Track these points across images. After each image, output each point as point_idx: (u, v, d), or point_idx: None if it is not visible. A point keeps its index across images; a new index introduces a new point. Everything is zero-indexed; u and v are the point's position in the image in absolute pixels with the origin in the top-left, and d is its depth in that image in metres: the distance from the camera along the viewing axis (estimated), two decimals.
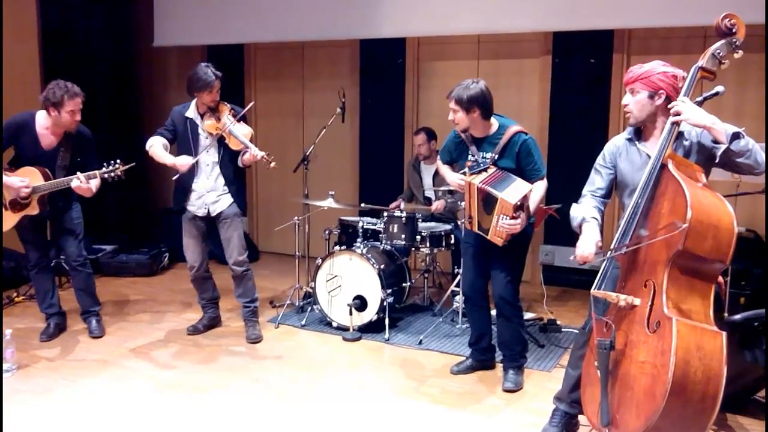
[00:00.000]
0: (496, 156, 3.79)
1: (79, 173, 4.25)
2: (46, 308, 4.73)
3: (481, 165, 3.81)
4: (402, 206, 5.44)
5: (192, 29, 7.11)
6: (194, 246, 4.68)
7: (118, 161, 4.35)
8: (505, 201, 3.56)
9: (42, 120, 4.37)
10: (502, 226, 3.59)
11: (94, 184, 4.37)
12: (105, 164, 4.34)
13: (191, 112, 4.52)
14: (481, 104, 3.72)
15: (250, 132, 4.47)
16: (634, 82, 2.88)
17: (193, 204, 4.58)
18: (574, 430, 3.37)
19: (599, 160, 3.11)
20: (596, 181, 3.10)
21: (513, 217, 3.55)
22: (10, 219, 4.40)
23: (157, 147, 4.47)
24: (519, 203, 3.55)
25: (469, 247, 4.05)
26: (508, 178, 3.71)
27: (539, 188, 3.76)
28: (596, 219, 2.99)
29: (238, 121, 4.43)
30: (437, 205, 5.39)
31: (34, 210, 4.35)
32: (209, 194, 4.56)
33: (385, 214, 5.07)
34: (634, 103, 2.90)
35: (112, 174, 4.33)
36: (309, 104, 7.13)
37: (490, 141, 3.83)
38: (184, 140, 4.52)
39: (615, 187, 3.09)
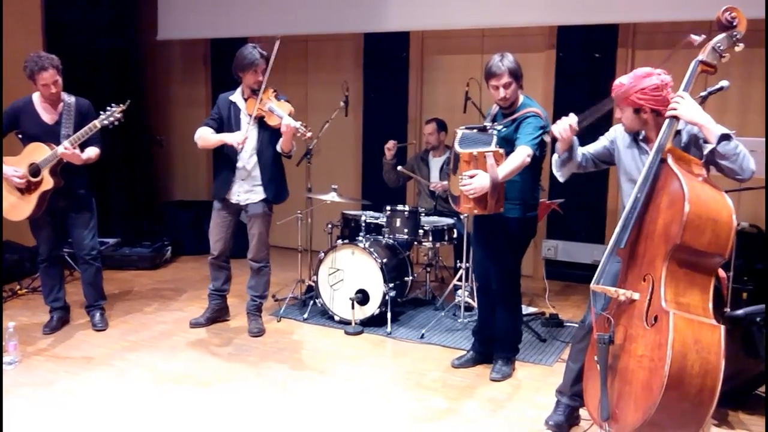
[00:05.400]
0: (502, 128, 3.74)
1: (65, 141, 4.24)
2: (52, 301, 4.74)
3: (487, 127, 3.76)
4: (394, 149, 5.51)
5: (196, 22, 7.11)
6: (218, 235, 4.68)
7: (113, 105, 4.32)
8: (462, 153, 3.46)
9: (38, 96, 4.39)
10: (460, 187, 3.44)
11: (93, 152, 4.41)
12: (102, 112, 4.31)
13: (236, 96, 4.52)
14: (522, 75, 3.78)
15: (291, 109, 4.42)
16: (618, 101, 2.95)
17: (235, 193, 4.57)
18: (575, 423, 3.38)
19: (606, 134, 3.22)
20: (592, 144, 3.22)
21: (470, 176, 3.40)
22: (29, 201, 4.35)
23: (203, 134, 4.48)
24: (474, 155, 3.42)
25: (474, 236, 4.08)
26: (484, 143, 3.60)
27: (517, 155, 3.54)
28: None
29: (279, 101, 4.42)
30: (436, 184, 5.43)
31: (48, 184, 4.31)
32: (245, 182, 4.54)
33: (388, 208, 5.06)
34: (623, 118, 2.97)
35: (111, 119, 4.29)
36: (312, 98, 7.13)
37: (508, 115, 3.81)
38: (228, 125, 4.51)
39: (618, 170, 3.14)
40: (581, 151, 3.20)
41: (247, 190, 4.55)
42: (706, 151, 2.73)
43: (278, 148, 4.45)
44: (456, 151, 3.56)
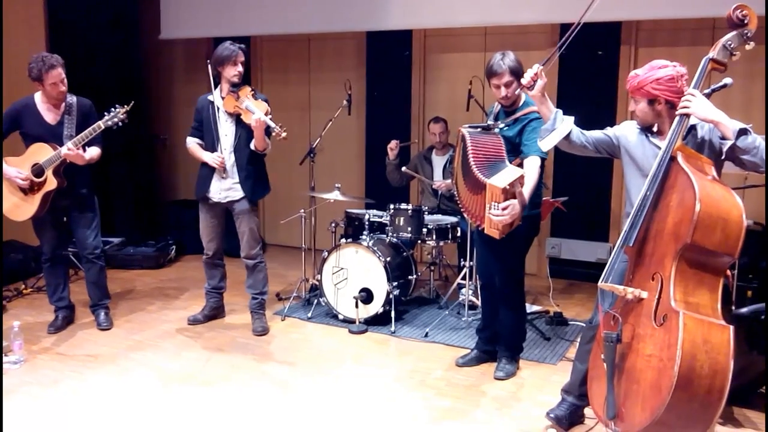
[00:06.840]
0: (505, 126, 3.74)
1: (68, 142, 4.26)
2: (56, 301, 4.75)
3: (490, 126, 3.74)
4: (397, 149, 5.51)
5: (198, 22, 7.11)
6: (208, 233, 4.73)
7: (117, 106, 4.34)
8: (490, 185, 3.38)
9: (39, 97, 4.38)
10: (490, 216, 3.35)
11: (95, 152, 4.43)
12: (105, 113, 4.32)
13: (214, 95, 4.54)
14: (523, 74, 3.70)
15: (267, 108, 4.42)
16: (633, 92, 2.94)
17: (216, 191, 4.60)
18: (579, 422, 3.37)
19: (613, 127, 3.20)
20: (598, 130, 3.20)
21: (504, 207, 3.31)
22: (33, 202, 4.36)
23: (192, 146, 4.66)
24: (509, 188, 3.33)
25: (478, 234, 4.05)
26: (500, 164, 3.55)
27: (531, 169, 3.57)
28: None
29: (256, 99, 4.43)
30: (440, 183, 5.43)
31: (52, 184, 4.32)
32: (224, 180, 4.56)
33: (392, 206, 5.06)
34: (637, 110, 2.97)
35: (116, 119, 4.31)
36: (315, 97, 7.12)
37: (510, 113, 3.80)
38: (207, 124, 4.55)
39: (622, 164, 3.13)
40: (585, 133, 3.18)
41: (227, 188, 4.58)
42: (725, 148, 2.71)
43: (252, 146, 4.47)
44: (482, 181, 3.41)
